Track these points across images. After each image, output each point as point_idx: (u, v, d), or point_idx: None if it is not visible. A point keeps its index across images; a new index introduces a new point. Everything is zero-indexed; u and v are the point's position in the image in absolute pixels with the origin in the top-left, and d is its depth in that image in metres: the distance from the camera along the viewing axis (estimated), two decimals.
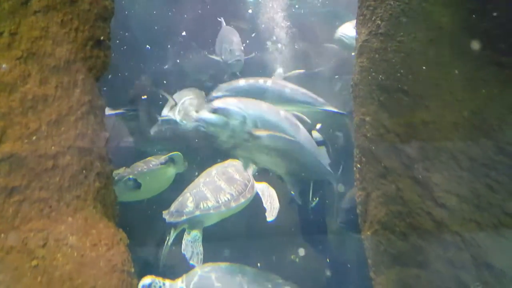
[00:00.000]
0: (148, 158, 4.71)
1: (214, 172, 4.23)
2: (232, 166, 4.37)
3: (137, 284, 1.30)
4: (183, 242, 3.65)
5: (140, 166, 4.37)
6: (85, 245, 1.23)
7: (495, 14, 2.06)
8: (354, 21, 2.89)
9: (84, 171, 1.36)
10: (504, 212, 1.84)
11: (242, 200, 3.97)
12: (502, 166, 1.91)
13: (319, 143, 5.17)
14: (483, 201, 1.92)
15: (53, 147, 1.27)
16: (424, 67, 2.43)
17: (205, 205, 3.82)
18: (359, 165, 2.98)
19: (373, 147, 2.72)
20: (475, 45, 2.15)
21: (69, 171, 1.30)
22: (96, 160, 1.44)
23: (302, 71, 5.51)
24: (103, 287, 1.18)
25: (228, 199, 3.92)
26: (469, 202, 1.97)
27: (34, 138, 1.23)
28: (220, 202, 3.89)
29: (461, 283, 1.89)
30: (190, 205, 3.84)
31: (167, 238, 3.80)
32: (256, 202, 4.16)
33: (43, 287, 1.10)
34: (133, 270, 1.32)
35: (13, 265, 1.10)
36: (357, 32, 2.93)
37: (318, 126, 4.95)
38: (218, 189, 3.99)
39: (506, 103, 1.97)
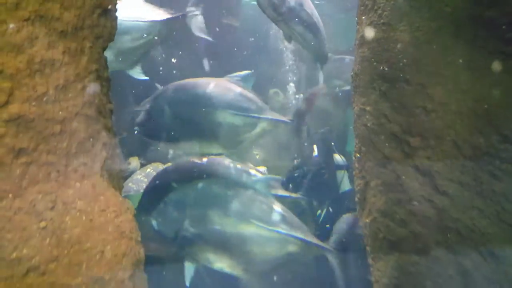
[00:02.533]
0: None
1: None
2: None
3: (143, 252, 1.29)
4: None
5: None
6: (93, 210, 1.21)
7: (499, 2, 2.07)
8: None
9: (91, 139, 1.33)
10: (507, 199, 1.85)
11: None
12: (506, 154, 1.91)
13: (342, 167, 5.08)
14: (486, 188, 1.93)
15: (60, 112, 1.24)
16: (427, 56, 2.43)
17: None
18: (358, 155, 2.97)
19: (373, 137, 2.72)
20: (480, 34, 2.16)
21: (77, 138, 1.28)
22: (102, 130, 1.42)
23: (249, 71, 5.28)
24: (111, 252, 1.16)
25: None
26: (472, 189, 1.97)
27: (41, 101, 1.20)
28: None
29: (462, 269, 1.90)
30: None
31: None
32: None
33: (51, 249, 1.08)
34: (140, 239, 1.29)
35: (21, 226, 1.07)
36: (358, 22, 2.92)
37: None
38: None
39: (511, 92, 1.99)
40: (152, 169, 4.64)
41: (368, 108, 2.86)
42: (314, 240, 3.42)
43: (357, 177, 2.95)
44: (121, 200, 1.32)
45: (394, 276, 2.11)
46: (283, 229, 3.33)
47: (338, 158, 5.22)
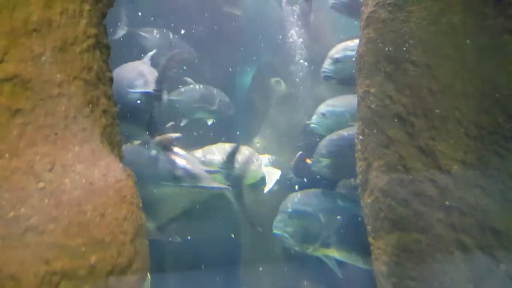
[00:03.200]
0: None
1: None
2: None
3: (145, 219, 1.25)
4: None
5: None
6: (93, 174, 1.17)
7: None
8: None
9: (90, 105, 1.29)
10: (511, 177, 1.81)
11: None
12: None
13: None
14: (490, 167, 1.88)
15: (58, 75, 1.20)
16: (434, 37, 2.37)
17: None
18: (361, 137, 2.93)
19: (377, 118, 2.67)
20: (488, 13, 2.09)
21: (75, 102, 1.23)
22: (102, 97, 1.37)
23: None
24: (112, 216, 1.13)
25: None
26: (476, 168, 1.93)
27: (38, 62, 1.15)
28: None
29: (462, 246, 1.87)
30: None
31: None
32: None
33: (50, 210, 1.05)
34: (141, 205, 1.26)
35: (18, 186, 1.04)
36: (363, 3, 2.86)
37: None
38: None
39: None
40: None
41: (372, 90, 2.80)
42: (214, 185, 3.65)
43: (359, 159, 2.90)
44: (122, 167, 1.28)
45: (395, 253, 2.09)
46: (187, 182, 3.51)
47: None
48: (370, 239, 2.38)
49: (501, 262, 1.75)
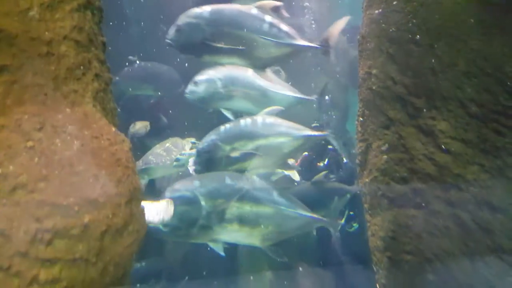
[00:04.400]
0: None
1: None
2: None
3: (142, 184, 1.20)
4: None
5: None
6: (85, 136, 1.11)
7: None
8: None
9: (81, 67, 1.22)
10: (510, 154, 1.75)
11: None
12: None
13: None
14: (489, 145, 1.83)
15: (46, 33, 1.12)
16: (438, 17, 2.29)
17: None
18: (361, 118, 2.87)
19: (378, 99, 2.61)
20: None
21: (65, 63, 1.16)
22: (94, 60, 1.30)
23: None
24: (106, 177, 1.07)
25: None
26: (475, 146, 1.87)
27: (25, 17, 1.08)
28: None
29: (459, 221, 1.83)
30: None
31: None
32: None
33: (40, 168, 0.99)
34: (137, 171, 1.20)
35: (6, 143, 0.98)
36: None
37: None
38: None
39: None
40: (171, 144, 4.57)
41: (374, 71, 2.73)
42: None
43: (359, 140, 2.86)
44: (115, 131, 1.22)
45: (391, 229, 2.05)
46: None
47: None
48: (367, 216, 2.34)
49: (497, 236, 1.71)
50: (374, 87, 2.68)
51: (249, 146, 3.90)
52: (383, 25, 2.62)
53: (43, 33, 1.11)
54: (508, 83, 1.85)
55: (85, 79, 1.24)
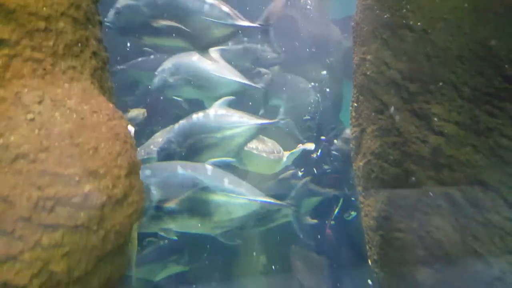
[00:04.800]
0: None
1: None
2: None
3: (140, 162, 1.21)
4: None
5: None
6: (84, 110, 1.12)
7: None
8: None
9: (79, 44, 1.22)
10: (502, 134, 1.79)
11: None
12: (506, 94, 1.83)
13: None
14: (482, 126, 1.86)
15: (44, 8, 1.13)
16: (431, 2, 2.30)
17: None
18: (356, 104, 2.89)
19: (372, 85, 2.63)
20: None
21: (64, 39, 1.17)
22: (92, 38, 1.30)
23: None
24: (105, 150, 1.08)
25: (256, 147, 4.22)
26: (468, 128, 1.91)
27: None
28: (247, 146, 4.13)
29: (451, 199, 1.87)
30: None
31: None
32: None
33: (41, 140, 1.00)
34: (135, 146, 1.21)
35: (6, 115, 0.99)
36: None
37: None
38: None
39: None
40: None
41: (368, 57, 2.75)
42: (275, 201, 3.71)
43: (353, 125, 2.88)
44: (114, 108, 1.23)
45: (384, 209, 2.09)
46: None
47: None
48: (361, 198, 2.38)
49: (487, 211, 1.76)
50: (368, 73, 2.70)
51: (204, 140, 3.92)
52: (377, 11, 2.63)
53: (41, 9, 1.11)
54: (501, 66, 1.88)
55: (83, 56, 1.24)
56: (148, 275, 4.28)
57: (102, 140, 1.09)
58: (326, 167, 4.96)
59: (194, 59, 4.27)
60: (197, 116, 3.94)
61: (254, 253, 4.48)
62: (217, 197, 3.44)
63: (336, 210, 4.66)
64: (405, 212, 2.00)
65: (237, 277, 4.59)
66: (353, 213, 4.54)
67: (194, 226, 3.41)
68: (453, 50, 2.11)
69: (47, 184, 0.96)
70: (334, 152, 4.39)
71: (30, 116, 1.01)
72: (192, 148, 3.91)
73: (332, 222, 4.64)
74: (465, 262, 1.79)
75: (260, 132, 4.16)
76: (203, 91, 4.38)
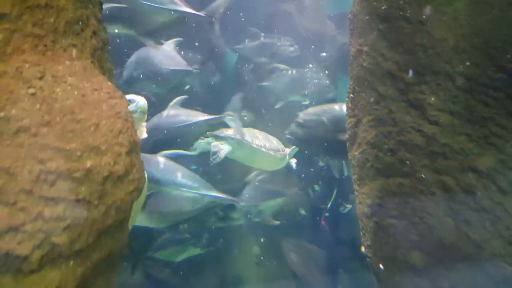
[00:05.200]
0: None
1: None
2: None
3: (139, 141, 1.22)
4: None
5: None
6: (85, 87, 1.12)
7: None
8: None
9: (80, 23, 1.22)
10: (496, 123, 1.82)
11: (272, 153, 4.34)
12: (501, 84, 1.86)
13: None
14: (476, 116, 1.89)
15: None
16: None
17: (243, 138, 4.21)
18: (352, 95, 2.91)
19: (369, 76, 2.65)
20: None
21: (64, 16, 1.16)
22: (92, 17, 1.30)
23: None
24: (106, 127, 1.08)
25: (264, 146, 4.34)
26: (462, 118, 1.94)
27: None
28: (257, 144, 4.29)
29: (444, 186, 1.90)
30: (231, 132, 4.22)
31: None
32: None
33: (42, 114, 1.00)
34: (135, 127, 1.22)
35: (7, 88, 0.99)
36: None
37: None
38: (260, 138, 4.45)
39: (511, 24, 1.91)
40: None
41: (365, 49, 2.76)
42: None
43: (349, 116, 2.90)
44: (114, 87, 1.23)
45: (378, 196, 2.12)
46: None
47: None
48: (356, 187, 2.40)
49: (479, 197, 1.79)
50: (365, 64, 2.72)
51: (160, 138, 4.12)
52: (374, 2, 2.65)
53: None
54: (497, 57, 1.91)
55: (84, 35, 1.24)
56: (170, 257, 4.51)
57: (103, 118, 1.09)
58: (321, 164, 5.03)
59: (150, 52, 4.32)
60: (155, 117, 4.19)
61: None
62: (168, 190, 3.49)
63: (330, 203, 4.72)
64: (399, 199, 2.03)
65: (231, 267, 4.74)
66: (348, 206, 4.62)
67: (143, 219, 3.44)
68: (449, 41, 2.13)
69: (49, 158, 0.96)
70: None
71: (31, 90, 1.01)
72: (152, 145, 4.02)
73: (327, 214, 4.72)
74: (457, 246, 1.83)
75: (209, 127, 4.27)
76: (158, 84, 4.44)
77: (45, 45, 1.11)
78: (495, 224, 1.74)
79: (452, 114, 1.96)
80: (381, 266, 2.10)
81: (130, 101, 2.72)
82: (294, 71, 5.46)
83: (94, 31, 1.30)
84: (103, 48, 1.35)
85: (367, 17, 2.70)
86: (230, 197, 3.87)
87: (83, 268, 0.94)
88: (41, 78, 1.04)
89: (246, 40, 5.38)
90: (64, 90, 1.05)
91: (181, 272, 4.66)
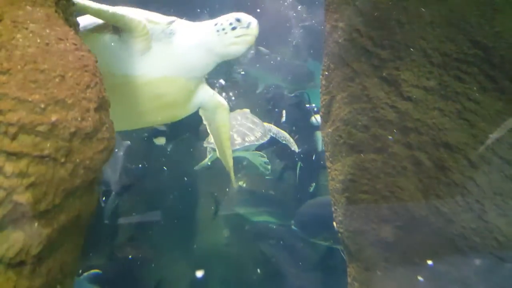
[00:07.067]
0: None
1: (239, 117, 4.77)
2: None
3: (108, 99, 1.16)
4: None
5: None
6: (49, 36, 1.05)
7: None
8: None
9: None
10: (469, 98, 1.91)
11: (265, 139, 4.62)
12: (475, 59, 1.95)
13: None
14: (450, 91, 1.97)
15: None
16: None
17: (248, 139, 4.41)
18: (326, 72, 2.94)
19: (344, 52, 2.68)
20: None
21: None
22: None
23: None
24: (73, 80, 1.02)
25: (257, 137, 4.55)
26: (436, 93, 2.01)
27: None
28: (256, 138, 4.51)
29: (416, 161, 1.98)
30: (237, 139, 4.40)
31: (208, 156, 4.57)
32: None
33: (1, 61, 0.92)
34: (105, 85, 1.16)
35: None
36: None
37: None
38: (251, 129, 4.59)
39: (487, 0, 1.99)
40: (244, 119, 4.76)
41: (340, 25, 2.79)
42: None
43: (322, 94, 2.93)
44: (81, 40, 1.16)
45: (350, 172, 2.17)
46: None
47: (314, 119, 5.41)
48: (328, 164, 2.45)
49: (450, 172, 1.88)
50: (340, 40, 2.75)
51: None
52: None
53: None
54: (471, 32, 1.98)
55: None
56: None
57: (69, 69, 1.03)
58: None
59: None
60: None
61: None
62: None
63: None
64: (371, 175, 2.09)
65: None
66: (313, 185, 4.86)
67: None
68: (425, 17, 2.19)
69: (9, 108, 0.90)
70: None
71: None
72: None
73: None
74: (428, 219, 1.92)
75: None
76: None
77: None
78: (465, 198, 1.84)
79: (425, 89, 2.03)
80: (352, 240, 2.17)
81: (238, 21, 2.61)
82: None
83: None
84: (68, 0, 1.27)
85: None
86: None
87: (49, 230, 0.90)
88: None
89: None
90: (25, 37, 0.98)
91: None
